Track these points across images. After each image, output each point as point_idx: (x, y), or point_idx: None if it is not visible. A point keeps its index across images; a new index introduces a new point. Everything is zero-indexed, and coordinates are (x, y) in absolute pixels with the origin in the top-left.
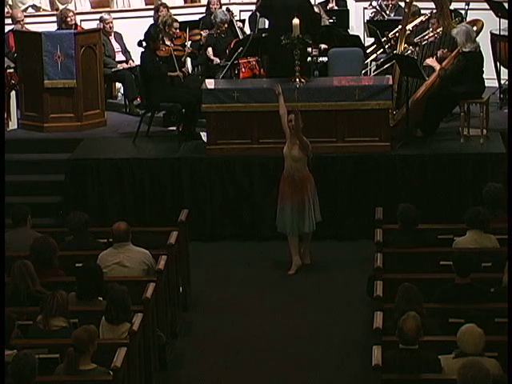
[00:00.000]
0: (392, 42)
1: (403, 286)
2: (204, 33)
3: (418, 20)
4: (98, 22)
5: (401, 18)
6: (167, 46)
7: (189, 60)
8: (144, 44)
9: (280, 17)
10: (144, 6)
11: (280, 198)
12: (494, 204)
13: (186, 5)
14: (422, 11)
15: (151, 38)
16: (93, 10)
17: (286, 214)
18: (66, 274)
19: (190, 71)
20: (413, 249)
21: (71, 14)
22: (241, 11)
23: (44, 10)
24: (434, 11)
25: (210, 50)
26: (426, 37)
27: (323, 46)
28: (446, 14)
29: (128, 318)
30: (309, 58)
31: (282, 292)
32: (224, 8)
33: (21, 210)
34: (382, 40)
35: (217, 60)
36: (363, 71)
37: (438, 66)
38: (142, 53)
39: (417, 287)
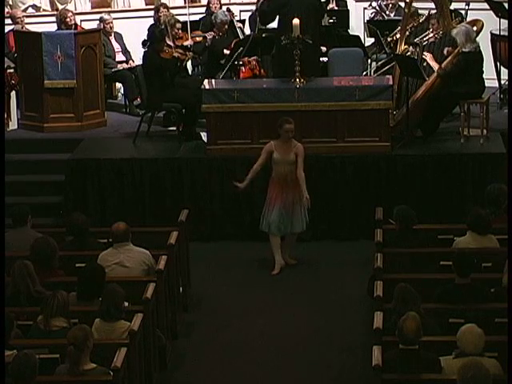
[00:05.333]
0: (392, 43)
1: (399, 287)
2: (209, 35)
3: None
4: (98, 22)
5: (401, 17)
6: (171, 47)
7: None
8: (148, 44)
9: (296, 15)
10: (144, 6)
11: (268, 201)
12: (495, 204)
13: (186, 5)
14: (423, 11)
15: (156, 39)
16: (93, 10)
17: (274, 215)
18: (66, 274)
19: (190, 71)
20: (412, 249)
21: (70, 14)
22: (241, 11)
23: (44, 9)
24: (434, 11)
25: (225, 51)
26: (426, 38)
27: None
28: (445, 14)
29: (121, 315)
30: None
31: (281, 292)
32: (224, 8)
33: (21, 210)
34: (382, 40)
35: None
36: (364, 72)
37: (436, 66)
38: (145, 52)
39: (416, 287)
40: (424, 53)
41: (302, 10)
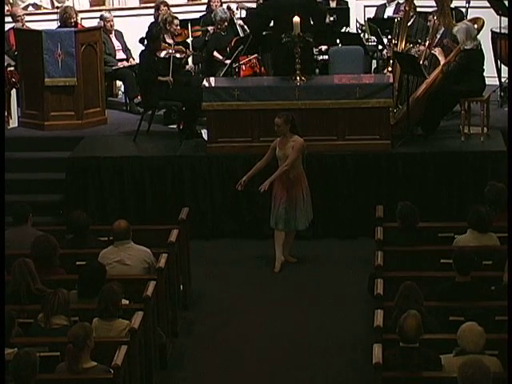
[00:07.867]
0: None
1: (404, 285)
2: (210, 28)
3: None
4: (98, 19)
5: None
6: (169, 45)
7: (190, 58)
8: (145, 42)
9: (285, 15)
10: (138, 5)
11: (274, 198)
12: (495, 203)
13: (188, 3)
14: (424, 9)
15: (152, 38)
16: (93, 8)
17: (280, 211)
18: (67, 273)
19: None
20: (413, 247)
21: (74, 14)
22: (241, 9)
23: (44, 8)
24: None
25: (216, 53)
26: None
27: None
28: (446, 13)
29: (119, 313)
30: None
31: (282, 290)
32: (224, 6)
33: (21, 208)
34: (383, 39)
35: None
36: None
37: (442, 60)
38: (142, 52)
39: (417, 285)
40: (435, 49)
41: (292, 10)
